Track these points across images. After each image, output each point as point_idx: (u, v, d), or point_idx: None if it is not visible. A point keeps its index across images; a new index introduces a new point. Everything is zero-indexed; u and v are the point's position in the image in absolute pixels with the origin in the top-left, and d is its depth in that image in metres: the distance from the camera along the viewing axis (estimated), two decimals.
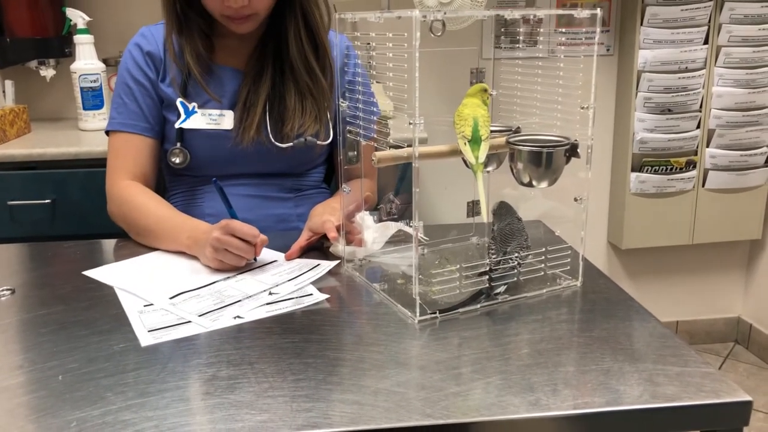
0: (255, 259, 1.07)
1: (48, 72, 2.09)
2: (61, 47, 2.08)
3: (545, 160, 0.94)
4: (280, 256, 1.12)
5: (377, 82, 1.03)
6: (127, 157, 1.23)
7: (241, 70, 1.26)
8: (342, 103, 1.00)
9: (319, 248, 1.15)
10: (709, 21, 2.24)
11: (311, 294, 0.97)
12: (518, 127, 1.06)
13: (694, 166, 2.40)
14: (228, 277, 1.04)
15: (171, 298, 0.96)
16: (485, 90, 0.96)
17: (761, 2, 2.24)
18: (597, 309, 0.93)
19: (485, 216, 0.91)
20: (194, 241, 1.09)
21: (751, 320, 2.66)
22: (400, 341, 0.84)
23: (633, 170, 2.38)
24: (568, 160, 0.96)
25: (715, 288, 2.69)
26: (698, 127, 2.36)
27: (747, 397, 0.71)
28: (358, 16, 0.94)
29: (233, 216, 1.11)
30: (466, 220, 1.15)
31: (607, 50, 2.39)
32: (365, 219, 1.13)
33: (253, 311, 0.92)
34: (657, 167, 2.38)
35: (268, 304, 0.94)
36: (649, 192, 2.41)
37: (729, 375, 2.49)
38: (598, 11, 0.91)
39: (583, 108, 0.92)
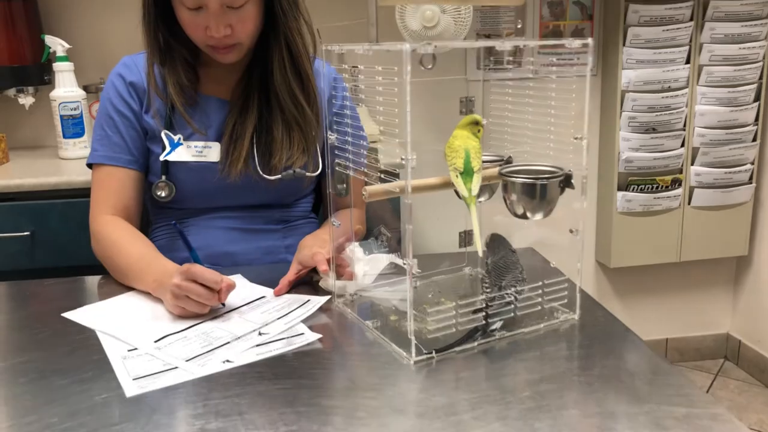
0: (223, 305, 1.02)
1: (27, 100, 2.05)
2: (40, 75, 2.04)
3: (539, 192, 0.92)
4: (268, 291, 1.09)
5: (363, 105, 1.01)
6: (109, 190, 1.19)
7: (226, 100, 1.24)
8: (330, 135, 0.98)
9: (308, 282, 1.12)
10: (691, 40, 2.26)
11: (302, 333, 0.93)
12: (510, 157, 1.04)
13: (680, 184, 2.40)
14: (215, 317, 1.00)
15: (156, 341, 0.93)
16: (477, 122, 0.94)
17: (741, 22, 2.26)
18: (596, 344, 0.90)
19: (479, 249, 0.89)
20: (159, 284, 1.04)
21: (740, 336, 2.65)
22: (395, 384, 0.81)
23: (619, 189, 2.38)
24: (562, 191, 0.94)
25: (704, 305, 2.69)
26: (683, 145, 2.36)
27: None
28: (346, 48, 0.92)
29: (195, 259, 1.07)
30: (458, 249, 1.12)
31: (591, 70, 2.39)
32: (355, 251, 1.11)
33: (243, 354, 0.88)
34: (643, 186, 2.38)
35: (258, 345, 0.90)
36: (635, 211, 2.41)
37: (720, 392, 2.49)
38: (590, 42, 0.90)
39: (576, 138, 0.91)
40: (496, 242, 0.99)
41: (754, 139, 2.39)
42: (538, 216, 0.94)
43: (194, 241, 1.26)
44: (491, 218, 1.08)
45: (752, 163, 2.42)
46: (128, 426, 0.72)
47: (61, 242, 1.66)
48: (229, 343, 0.92)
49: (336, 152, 0.97)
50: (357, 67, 0.95)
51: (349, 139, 0.93)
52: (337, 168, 0.97)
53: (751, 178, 2.43)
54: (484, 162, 1.03)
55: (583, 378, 0.81)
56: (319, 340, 0.92)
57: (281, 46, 1.19)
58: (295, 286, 1.10)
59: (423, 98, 2.21)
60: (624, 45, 2.25)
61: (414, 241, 0.86)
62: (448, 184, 0.94)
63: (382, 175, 0.87)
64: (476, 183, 0.91)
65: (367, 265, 1.10)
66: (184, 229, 1.26)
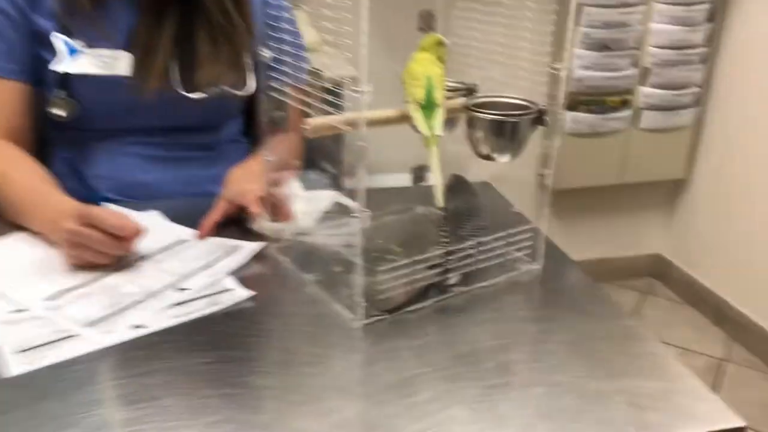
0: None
1: None
2: None
3: (510, 131, 0.80)
4: (190, 233, 0.94)
5: (302, 6, 0.83)
6: None
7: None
8: (263, 51, 0.81)
9: (238, 222, 0.96)
10: None
11: (230, 289, 0.80)
12: (475, 85, 0.90)
13: (629, 105, 2.33)
14: (123, 267, 0.85)
15: (48, 299, 0.77)
16: (441, 43, 0.79)
17: None
18: (563, 303, 0.82)
19: (440, 200, 0.76)
20: (53, 226, 0.85)
21: (671, 257, 2.70)
22: (341, 355, 0.69)
23: (568, 109, 2.29)
24: (533, 129, 0.81)
25: (639, 226, 2.71)
26: (634, 65, 2.27)
27: (741, 423, 0.62)
28: None
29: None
30: (410, 185, 1.00)
31: None
32: (293, 187, 0.96)
33: (157, 316, 0.75)
34: (593, 106, 2.30)
35: (175, 305, 0.76)
36: (583, 131, 2.33)
37: (648, 311, 2.55)
38: None
39: (554, 69, 0.77)
40: (458, 185, 0.87)
41: (702, 62, 2.33)
42: (505, 158, 0.82)
43: (101, 170, 1.08)
44: (443, 148, 0.95)
45: (699, 86, 2.37)
46: (7, 419, 0.59)
47: None
48: (141, 302, 0.77)
49: (270, 73, 0.81)
50: None
51: (287, 58, 0.77)
52: (271, 92, 0.81)
53: (697, 101, 2.39)
54: (447, 90, 0.89)
55: (549, 345, 0.72)
56: (251, 298, 0.79)
57: None
58: (223, 227, 0.95)
59: (374, 11, 1.99)
60: None
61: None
62: (405, 118, 0.79)
63: (328, 102, 0.71)
64: (439, 119, 0.77)
65: (307, 203, 0.96)
66: (89, 155, 1.07)
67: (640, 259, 2.75)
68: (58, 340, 0.70)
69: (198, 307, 0.76)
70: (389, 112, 0.80)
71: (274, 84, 0.80)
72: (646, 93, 2.32)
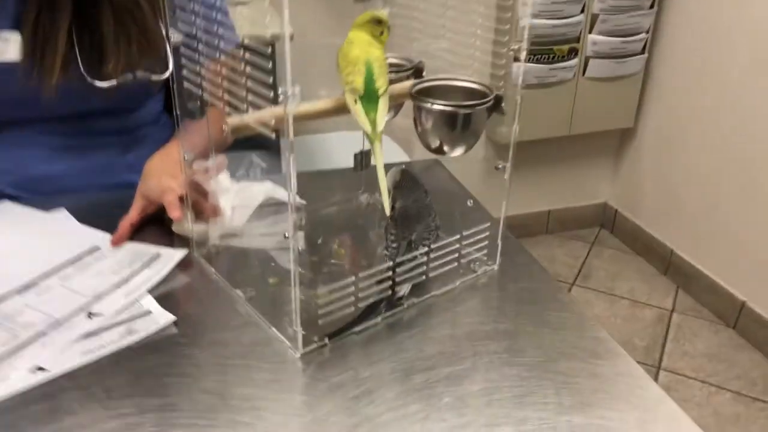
0: None
1: None
2: None
3: (462, 122, 0.70)
4: (103, 238, 0.82)
5: None
6: None
7: None
8: (173, 33, 0.68)
9: (159, 221, 0.85)
10: None
11: (149, 312, 0.69)
12: (420, 62, 0.80)
13: (576, 54, 2.26)
14: (27, 286, 0.73)
15: None
16: (380, 21, 0.68)
17: None
18: (524, 310, 0.74)
19: (387, 207, 0.66)
20: None
21: (617, 206, 2.70)
22: (278, 394, 0.61)
23: (515, 60, 2.19)
24: (488, 117, 0.72)
25: (586, 176, 2.68)
26: (582, 11, 2.18)
27: None
28: None
29: None
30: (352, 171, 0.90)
31: None
32: (221, 178, 0.85)
33: (62, 355, 0.64)
34: (540, 56, 2.21)
35: (84, 337, 0.65)
36: (530, 83, 2.25)
37: (595, 261, 2.55)
38: None
39: (512, 50, 0.68)
40: (406, 181, 0.77)
41: (652, 6, 2.26)
42: (458, 151, 0.72)
43: (1, 163, 0.93)
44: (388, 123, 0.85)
45: (647, 32, 2.31)
46: None
47: None
48: (44, 334, 0.66)
49: (183, 58, 0.68)
50: None
51: (201, 35, 0.64)
52: (185, 83, 0.69)
53: (644, 48, 2.33)
54: (391, 71, 0.78)
55: (513, 369, 0.65)
56: (174, 323, 0.68)
57: None
58: (142, 227, 0.84)
59: None
60: None
61: (298, 153, 0.61)
62: (342, 110, 0.68)
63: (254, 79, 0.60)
64: (382, 112, 0.66)
65: (238, 196, 0.85)
66: None
67: (588, 209, 2.74)
68: None
69: (111, 338, 0.66)
70: (323, 104, 0.69)
71: (187, 70, 0.68)
72: (594, 40, 2.24)
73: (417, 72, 0.78)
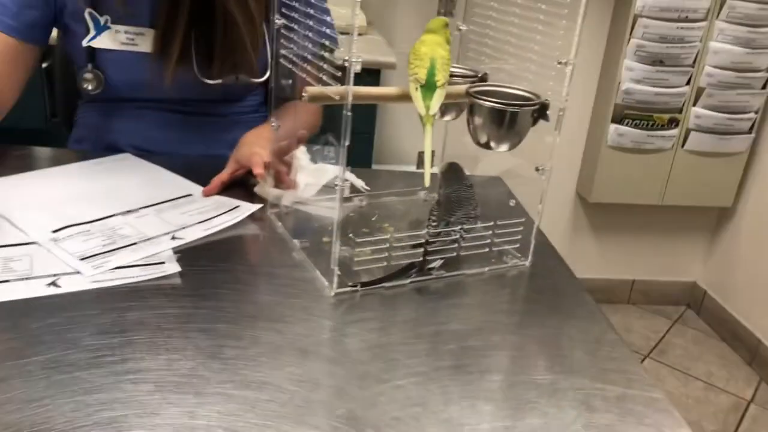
0: None
1: None
2: None
3: (508, 121, 0.79)
4: (196, 189, 0.97)
5: None
6: None
7: None
8: (277, 19, 0.83)
9: (244, 184, 1.00)
10: None
11: (162, 263, 0.79)
12: (485, 74, 0.90)
13: (677, 125, 2.27)
14: (129, 211, 0.89)
15: (54, 231, 0.82)
16: (447, 25, 0.80)
17: None
18: (543, 299, 0.81)
19: (427, 178, 0.77)
20: None
21: (707, 287, 2.62)
22: (308, 319, 0.71)
23: (613, 121, 2.25)
24: (534, 122, 0.81)
25: (677, 251, 2.63)
26: (688, 83, 2.21)
27: None
28: None
29: None
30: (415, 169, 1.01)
31: None
32: (300, 158, 0.99)
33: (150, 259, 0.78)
34: (638, 121, 2.24)
35: (114, 269, 0.76)
36: (626, 146, 2.28)
37: (675, 340, 2.48)
38: None
39: (560, 63, 0.77)
40: (452, 172, 0.88)
41: (764, 87, 2.24)
42: (503, 147, 0.82)
43: (123, 127, 1.13)
44: (460, 138, 0.96)
45: (756, 113, 2.28)
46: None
47: None
48: (135, 244, 0.81)
49: (282, 41, 0.83)
50: None
51: (297, 27, 0.79)
52: (282, 60, 0.83)
53: (751, 127, 2.30)
54: (454, 76, 0.90)
55: (517, 337, 0.72)
56: (184, 270, 0.79)
57: None
58: (229, 188, 0.99)
59: None
60: None
61: (379, 151, 0.73)
62: (405, 97, 0.80)
63: (328, 76, 0.73)
64: (437, 100, 0.77)
65: (311, 175, 0.98)
66: (113, 113, 1.12)
67: (674, 285, 2.67)
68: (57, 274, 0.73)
69: (132, 273, 0.76)
70: (391, 90, 0.82)
71: (284, 52, 0.83)
72: (697, 113, 2.25)
73: (482, 81, 0.89)
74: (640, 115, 2.24)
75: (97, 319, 0.67)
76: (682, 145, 2.31)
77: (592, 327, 0.75)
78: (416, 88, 0.78)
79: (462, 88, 0.83)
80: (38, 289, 0.70)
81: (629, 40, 2.14)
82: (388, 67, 1.63)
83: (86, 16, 1.02)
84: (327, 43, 0.72)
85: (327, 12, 1.02)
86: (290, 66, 0.81)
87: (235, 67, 1.07)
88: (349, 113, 0.69)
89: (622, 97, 2.21)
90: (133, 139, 1.12)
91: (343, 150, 0.70)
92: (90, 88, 1.06)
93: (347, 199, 0.99)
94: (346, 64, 0.66)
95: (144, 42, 1.04)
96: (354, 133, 0.73)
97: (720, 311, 2.53)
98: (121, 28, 1.03)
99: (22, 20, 1.01)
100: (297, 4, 0.79)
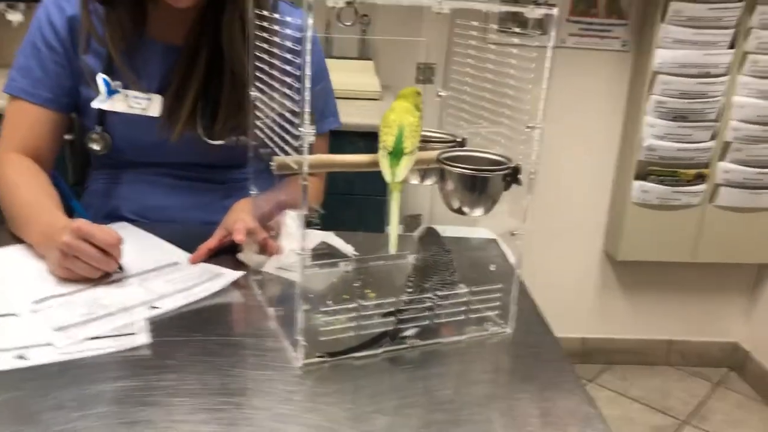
0: (121, 268, 0.91)
1: (15, 17, 1.96)
2: None
3: (479, 185, 0.79)
4: (184, 257, 0.99)
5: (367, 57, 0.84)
6: (21, 127, 1.08)
7: (175, 46, 1.09)
8: (252, 92, 0.85)
9: (233, 251, 1.00)
10: (738, 24, 2.03)
11: (133, 334, 0.79)
12: (464, 139, 0.90)
13: (704, 180, 2.21)
14: (113, 281, 0.90)
15: (36, 302, 0.83)
16: (419, 93, 0.80)
17: None
18: (520, 369, 0.78)
19: (393, 246, 0.76)
20: (45, 239, 0.91)
21: (750, 348, 2.48)
22: (269, 392, 0.70)
23: (637, 178, 2.20)
24: (507, 186, 0.80)
25: (715, 310, 2.51)
26: (713, 138, 2.16)
27: None
28: None
29: (77, 210, 0.96)
30: (403, 233, 1.00)
31: (623, 46, 2.18)
32: (288, 225, 0.99)
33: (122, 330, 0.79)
34: (663, 177, 2.19)
35: (85, 340, 0.76)
36: (651, 203, 2.22)
37: (717, 404, 2.34)
38: (554, 12, 0.74)
39: (528, 128, 0.76)
40: (429, 237, 0.86)
41: None
42: (477, 212, 0.80)
43: (126, 193, 1.16)
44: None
45: None
46: None
47: None
48: (112, 314, 0.82)
49: (257, 113, 0.85)
50: (367, 16, 0.81)
51: (268, 100, 0.80)
52: (257, 131, 0.85)
53: None
54: (434, 141, 0.90)
55: (486, 410, 0.69)
56: (210, 324, 0.81)
57: None
58: (217, 255, 1.00)
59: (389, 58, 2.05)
60: (663, 21, 2.03)
61: (367, 214, 0.73)
62: (376, 164, 0.81)
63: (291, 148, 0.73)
64: (404, 167, 0.77)
65: (297, 241, 0.98)
66: (119, 181, 1.16)
67: (714, 346, 2.55)
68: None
69: (105, 345, 0.76)
70: (362, 157, 0.82)
71: (258, 123, 0.84)
72: (725, 168, 2.19)
73: (460, 145, 0.89)
74: (664, 171, 2.19)
75: (57, 392, 0.67)
76: (711, 201, 2.24)
77: (568, 399, 0.72)
78: (384, 156, 0.78)
79: (434, 154, 0.83)
80: (5, 362, 0.71)
81: (649, 96, 2.11)
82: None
83: (98, 79, 1.07)
84: (288, 115, 0.73)
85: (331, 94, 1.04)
86: (263, 136, 0.82)
87: (237, 128, 1.09)
88: (306, 182, 0.69)
89: (645, 153, 2.17)
90: (134, 205, 1.15)
91: (301, 217, 0.70)
92: (97, 148, 1.11)
93: (332, 265, 0.98)
94: (301, 134, 0.67)
95: (152, 106, 1.09)
96: (365, 195, 0.73)
97: (765, 374, 2.38)
98: (131, 93, 1.08)
99: (57, 91, 1.09)
100: (269, 78, 0.81)
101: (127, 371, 0.71)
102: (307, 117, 0.66)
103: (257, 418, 0.65)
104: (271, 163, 0.77)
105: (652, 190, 2.21)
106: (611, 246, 2.37)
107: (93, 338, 0.77)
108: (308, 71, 0.65)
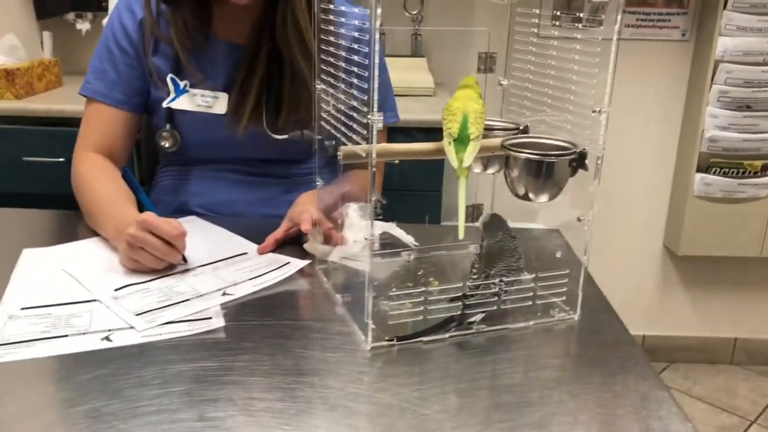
0: (185, 260, 0.94)
1: (84, 25, 2.06)
2: (98, 0, 2.03)
3: (545, 171, 0.79)
4: (252, 248, 1.02)
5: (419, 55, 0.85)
6: (96, 128, 1.14)
7: (239, 45, 1.13)
8: (318, 84, 0.87)
9: (298, 242, 1.03)
10: None
11: (209, 318, 0.82)
12: (527, 126, 0.90)
13: None
14: (187, 270, 0.94)
15: (116, 290, 0.88)
16: (477, 82, 0.81)
17: None
18: (589, 354, 0.78)
19: (461, 231, 0.77)
20: (117, 233, 0.96)
21: None
22: (340, 373, 0.72)
23: (698, 171, 2.14)
24: (573, 172, 0.80)
25: None
26: None
27: None
28: None
29: (145, 204, 1.01)
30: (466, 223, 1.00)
31: (683, 35, 2.13)
32: (351, 216, 1.01)
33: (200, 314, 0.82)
34: (727, 169, 2.13)
35: (164, 324, 0.80)
36: (715, 196, 2.16)
37: None
38: None
39: (594, 112, 0.76)
40: (495, 224, 0.87)
41: None
42: (543, 198, 0.80)
43: (194, 187, 1.20)
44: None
45: None
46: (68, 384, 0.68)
47: None
48: (188, 300, 0.86)
49: (322, 104, 0.87)
50: (416, 13, 0.83)
51: (341, 94, 0.82)
52: (322, 123, 0.87)
53: None
54: (497, 129, 0.90)
55: (556, 393, 0.69)
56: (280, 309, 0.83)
57: None
58: (283, 246, 1.02)
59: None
60: (725, 8, 1.98)
61: (420, 209, 0.75)
62: (440, 152, 0.81)
63: (358, 137, 0.75)
64: (470, 153, 0.78)
65: (360, 231, 1.00)
66: (188, 177, 1.20)
67: None
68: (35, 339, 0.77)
69: (180, 328, 0.79)
70: (426, 145, 0.83)
71: (324, 115, 0.86)
72: None
73: (523, 132, 0.89)
74: (728, 163, 2.13)
75: (139, 371, 0.70)
76: None
77: (640, 383, 0.71)
78: (449, 143, 0.79)
79: (498, 140, 0.83)
80: (93, 344, 0.75)
81: (711, 86, 2.06)
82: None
83: (168, 80, 1.12)
84: (356, 104, 0.75)
85: (364, 77, 1.06)
86: (329, 128, 0.84)
87: (300, 122, 1.12)
88: (374, 170, 0.70)
89: (707, 145, 2.11)
90: (202, 200, 1.19)
91: (371, 205, 0.71)
92: (167, 145, 1.16)
93: (395, 255, 0.99)
94: (370, 121, 0.69)
95: (218, 104, 1.13)
96: (420, 191, 0.74)
97: None
98: (198, 91, 1.12)
99: (129, 93, 1.14)
100: (334, 70, 0.83)
101: (205, 352, 0.74)
102: (375, 105, 0.67)
103: (330, 396, 0.67)
104: (339, 153, 0.79)
105: (715, 182, 2.14)
106: (672, 240, 2.31)
107: (171, 322, 0.80)
108: (377, 59, 0.66)
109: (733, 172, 2.14)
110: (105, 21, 1.86)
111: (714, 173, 2.14)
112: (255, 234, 1.05)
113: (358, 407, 0.66)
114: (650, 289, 2.43)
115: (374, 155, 0.70)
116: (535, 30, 0.88)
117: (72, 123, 1.67)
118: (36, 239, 1.05)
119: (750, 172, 2.14)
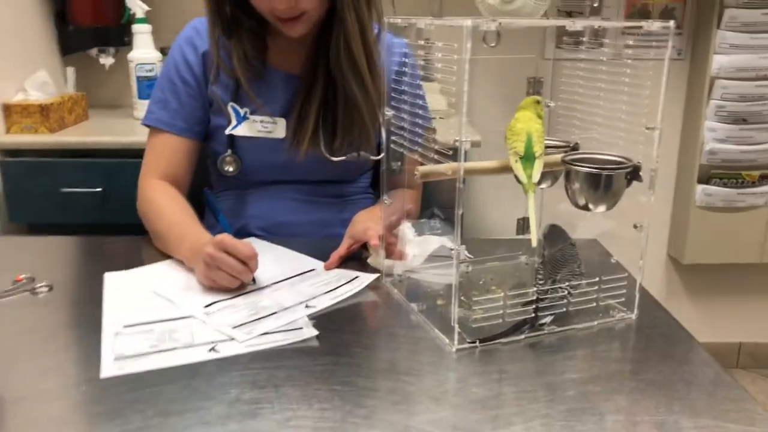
0: (254, 280, 1.00)
1: (107, 60, 2.12)
2: (120, 36, 2.10)
3: (604, 183, 0.87)
4: (318, 264, 1.09)
5: (431, 79, 0.95)
6: (160, 156, 1.21)
7: (294, 74, 1.22)
8: (387, 111, 0.95)
9: (358, 258, 1.11)
10: None
11: (301, 328, 0.88)
12: (576, 144, 0.99)
13: None
14: (265, 286, 1.01)
15: (206, 306, 0.94)
16: (538, 102, 0.90)
17: None
18: (652, 347, 0.85)
19: (534, 240, 0.85)
20: (193, 254, 1.02)
21: None
22: (435, 372, 0.79)
23: (700, 182, 2.25)
24: (629, 184, 0.88)
25: None
26: None
27: None
28: (408, 21, 0.89)
29: (223, 225, 1.08)
30: (515, 236, 1.08)
31: (678, 54, 2.26)
32: (406, 232, 1.08)
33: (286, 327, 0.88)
34: (726, 180, 2.24)
35: (262, 334, 0.86)
36: (716, 206, 2.27)
37: None
38: (671, 24, 0.83)
39: (648, 129, 0.85)
40: (555, 234, 0.95)
41: None
42: (601, 208, 0.89)
43: (253, 210, 1.27)
44: (555, 206, 1.03)
45: None
46: (166, 390, 0.74)
47: (130, 200, 1.71)
48: (276, 313, 0.92)
49: (392, 129, 0.95)
50: (429, 40, 0.92)
51: (405, 116, 0.90)
52: (392, 146, 0.95)
53: None
54: (548, 147, 0.99)
55: (634, 383, 0.77)
56: (357, 321, 0.90)
57: (349, 18, 1.15)
58: (345, 262, 1.10)
59: (491, 76, 2.14)
60: (718, 28, 2.10)
61: (470, 225, 0.83)
62: (507, 169, 0.90)
63: (437, 156, 0.84)
64: (537, 169, 0.86)
65: (417, 246, 1.07)
66: (247, 199, 1.27)
67: None
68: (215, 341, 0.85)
69: (274, 339, 0.85)
70: (492, 163, 0.91)
71: (394, 138, 0.94)
72: None
73: (573, 150, 0.98)
74: (727, 173, 2.24)
75: (253, 377, 0.77)
76: None
77: (706, 371, 0.79)
78: (516, 160, 0.87)
79: (557, 157, 0.91)
80: (201, 355, 0.81)
81: (708, 101, 2.17)
82: (474, 145, 1.76)
83: (229, 108, 1.19)
84: (421, 131, 0.83)
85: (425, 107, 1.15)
86: (401, 150, 0.92)
87: (353, 144, 1.20)
88: (462, 185, 0.78)
89: (707, 157, 2.22)
90: (262, 222, 1.26)
91: (458, 218, 0.79)
92: (230, 170, 1.23)
93: (451, 265, 1.07)
94: (456, 144, 0.76)
95: (277, 129, 1.21)
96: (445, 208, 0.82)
97: None
98: (258, 118, 1.20)
99: (191, 121, 1.21)
100: (402, 97, 0.91)
101: (306, 358, 0.81)
102: (463, 127, 0.75)
103: (432, 391, 0.74)
104: (415, 173, 0.86)
105: (716, 193, 2.25)
106: (676, 250, 2.42)
107: (267, 333, 0.86)
108: (465, 87, 0.75)
109: (732, 183, 2.25)
110: (130, 55, 1.93)
111: (714, 184, 2.25)
112: (315, 252, 1.12)
113: (458, 400, 0.73)
114: (655, 296, 2.52)
115: (462, 174, 0.78)
116: (582, 56, 0.97)
117: (103, 154, 1.74)
118: (108, 264, 1.10)
119: (748, 181, 2.25)
